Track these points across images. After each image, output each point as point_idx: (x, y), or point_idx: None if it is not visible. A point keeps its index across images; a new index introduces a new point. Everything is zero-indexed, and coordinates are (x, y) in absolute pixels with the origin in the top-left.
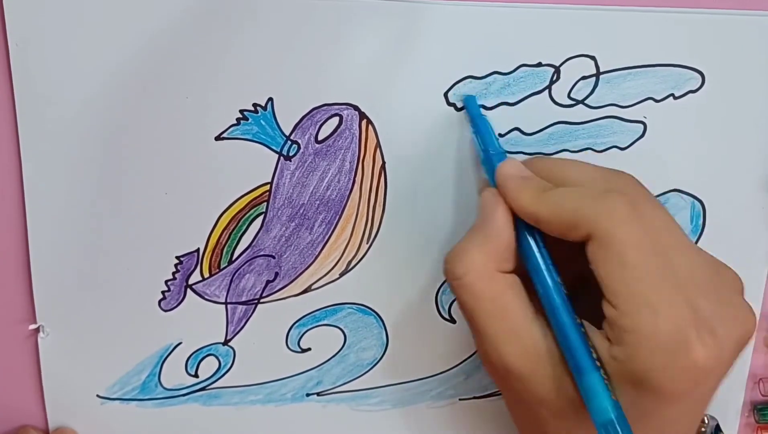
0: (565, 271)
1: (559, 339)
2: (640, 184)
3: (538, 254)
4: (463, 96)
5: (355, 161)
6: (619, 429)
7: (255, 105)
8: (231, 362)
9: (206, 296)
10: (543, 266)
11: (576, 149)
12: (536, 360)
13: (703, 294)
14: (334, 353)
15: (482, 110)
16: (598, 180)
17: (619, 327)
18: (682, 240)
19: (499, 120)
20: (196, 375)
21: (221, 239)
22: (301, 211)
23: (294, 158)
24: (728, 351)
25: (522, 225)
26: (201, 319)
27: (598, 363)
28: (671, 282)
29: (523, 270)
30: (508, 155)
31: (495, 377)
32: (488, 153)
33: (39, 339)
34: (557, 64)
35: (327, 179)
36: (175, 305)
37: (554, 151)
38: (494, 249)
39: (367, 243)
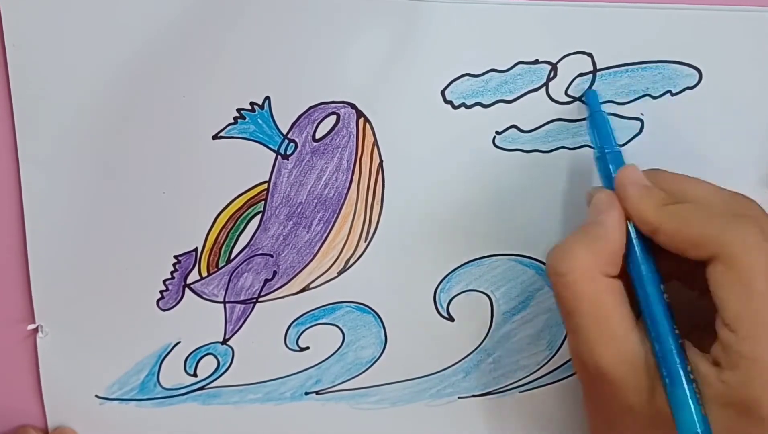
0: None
1: (656, 347)
2: (764, 211)
3: (644, 263)
4: (585, 91)
5: (353, 160)
6: None
7: (252, 104)
8: (230, 361)
9: (204, 296)
10: (648, 275)
11: (574, 146)
12: (631, 367)
13: None
14: (333, 351)
15: (601, 106)
16: (722, 202)
17: (736, 352)
18: None
19: (496, 118)
20: (194, 375)
21: (219, 238)
22: (298, 210)
23: (291, 157)
24: None
25: (633, 233)
26: (199, 318)
27: (692, 378)
28: None
29: (626, 278)
30: (624, 157)
31: (584, 379)
32: (603, 151)
33: (38, 339)
34: (554, 62)
35: (324, 178)
36: (173, 304)
37: (552, 148)
38: (602, 252)
39: (365, 242)
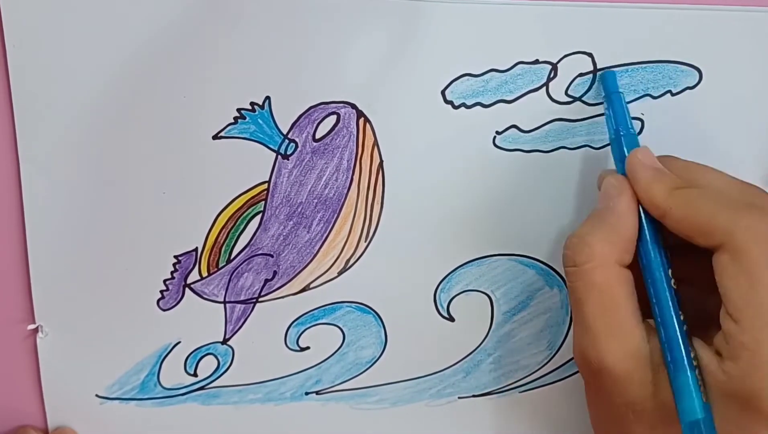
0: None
1: (661, 332)
2: None
3: (653, 247)
4: (604, 73)
5: (353, 160)
6: (704, 430)
7: (252, 104)
8: (230, 361)
9: (205, 296)
10: (657, 259)
11: (574, 146)
12: (636, 361)
13: None
14: (333, 351)
15: (619, 88)
16: (733, 190)
17: (738, 343)
18: None
19: (496, 117)
20: (195, 375)
21: (219, 238)
22: (299, 210)
23: (292, 157)
24: None
25: (644, 217)
26: (199, 318)
27: (696, 367)
28: None
29: (636, 270)
30: (639, 141)
31: (587, 374)
32: (618, 134)
33: (38, 339)
34: (554, 62)
35: (325, 178)
36: (173, 304)
37: (552, 148)
38: (618, 240)
39: (365, 242)
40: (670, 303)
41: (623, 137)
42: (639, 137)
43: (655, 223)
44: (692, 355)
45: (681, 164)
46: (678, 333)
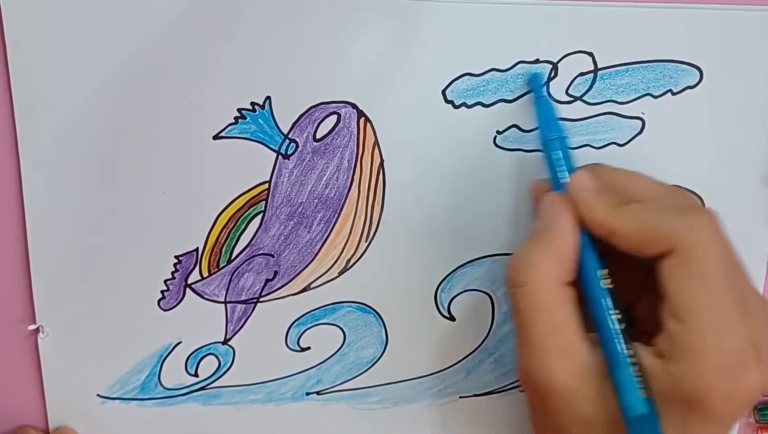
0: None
1: (599, 334)
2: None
3: (590, 256)
4: (530, 74)
5: (354, 159)
6: (647, 424)
7: (253, 104)
8: (230, 361)
9: (205, 296)
10: (594, 264)
11: (574, 146)
12: (583, 377)
13: (757, 319)
14: (334, 351)
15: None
16: (667, 196)
17: (682, 344)
18: (741, 264)
19: (497, 117)
20: (195, 375)
21: (220, 238)
22: (299, 209)
23: (292, 157)
24: None
25: (584, 236)
26: (200, 318)
27: (636, 365)
28: (741, 305)
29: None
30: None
31: (533, 394)
32: (548, 138)
33: (39, 339)
34: (555, 61)
35: (325, 178)
36: (174, 304)
37: None
38: (561, 258)
39: (366, 241)
40: (604, 303)
41: (554, 141)
42: (636, 141)
43: (593, 239)
44: (631, 354)
45: (609, 173)
46: (613, 330)
